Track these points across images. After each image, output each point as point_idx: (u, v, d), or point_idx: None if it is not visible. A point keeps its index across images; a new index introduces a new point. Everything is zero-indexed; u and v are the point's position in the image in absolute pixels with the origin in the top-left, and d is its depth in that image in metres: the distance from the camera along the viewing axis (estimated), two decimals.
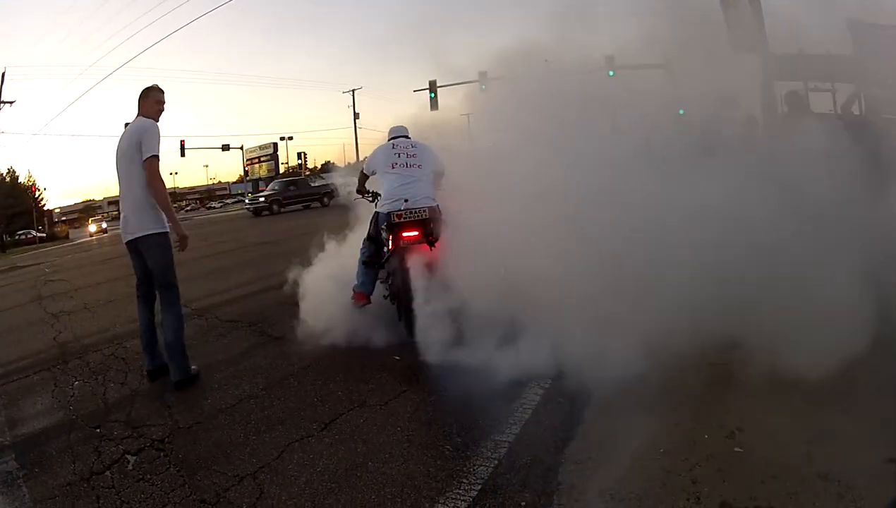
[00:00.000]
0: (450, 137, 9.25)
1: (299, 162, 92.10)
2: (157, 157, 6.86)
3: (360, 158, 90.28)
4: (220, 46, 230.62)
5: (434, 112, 47.19)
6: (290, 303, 8.99)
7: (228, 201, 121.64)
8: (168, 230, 7.03)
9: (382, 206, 7.63)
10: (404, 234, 7.24)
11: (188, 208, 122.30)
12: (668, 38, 7.88)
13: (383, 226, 7.50)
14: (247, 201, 56.25)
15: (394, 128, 8.51)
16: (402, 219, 7.22)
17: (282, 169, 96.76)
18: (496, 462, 4.55)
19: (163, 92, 7.34)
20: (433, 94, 47.06)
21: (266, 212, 46.55)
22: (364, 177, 8.56)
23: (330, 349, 7.55)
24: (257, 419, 5.78)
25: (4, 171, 70.98)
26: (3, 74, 57.42)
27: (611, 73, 8.90)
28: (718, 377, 5.39)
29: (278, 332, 8.53)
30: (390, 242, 7.43)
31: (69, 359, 8.65)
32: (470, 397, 5.58)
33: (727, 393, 5.15)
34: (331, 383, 6.51)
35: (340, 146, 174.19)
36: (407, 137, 8.31)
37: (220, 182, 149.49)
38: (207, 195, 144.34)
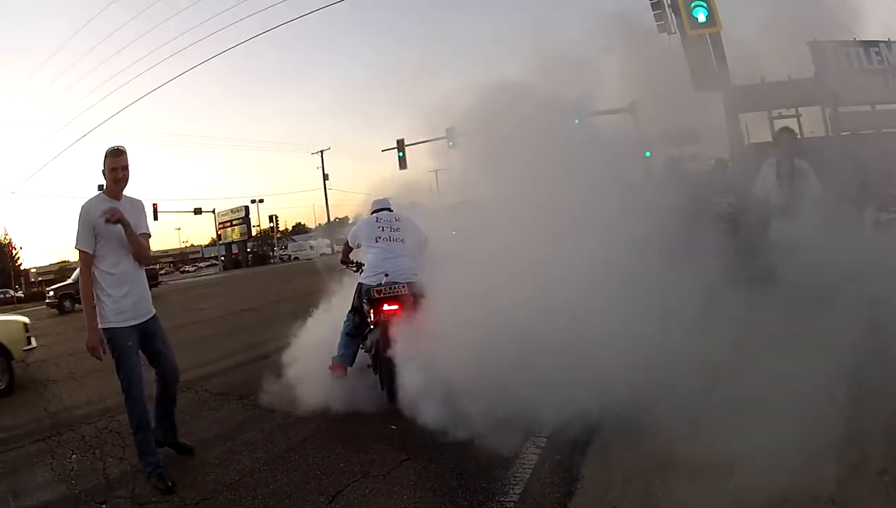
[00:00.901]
0: (420, 196, 9.53)
1: (271, 225, 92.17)
2: (79, 249, 6.33)
3: (332, 219, 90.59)
4: (193, 108, 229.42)
5: (403, 171, 47.83)
6: (279, 374, 9.09)
7: (202, 264, 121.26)
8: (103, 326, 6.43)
9: (366, 278, 7.97)
10: (385, 307, 7.56)
11: (163, 271, 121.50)
12: (633, 83, 8.19)
13: (365, 300, 7.83)
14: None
15: (377, 200, 8.88)
16: (381, 295, 7.57)
17: (254, 232, 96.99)
18: None
19: (118, 154, 6.34)
20: (401, 154, 47.82)
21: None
22: (348, 249, 8.89)
23: (325, 420, 7.73)
24: (264, 494, 5.91)
25: None
26: None
27: (576, 120, 9.16)
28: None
29: (270, 405, 8.65)
30: (372, 314, 7.75)
31: (63, 431, 8.75)
32: (470, 461, 5.88)
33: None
34: (331, 455, 6.68)
35: (311, 207, 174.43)
36: (390, 210, 8.65)
37: (192, 245, 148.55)
38: (181, 258, 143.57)
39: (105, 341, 6.42)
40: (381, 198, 8.99)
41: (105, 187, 6.47)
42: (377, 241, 8.11)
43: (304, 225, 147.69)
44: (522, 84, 8.69)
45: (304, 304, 11.13)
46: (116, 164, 6.28)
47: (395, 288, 7.62)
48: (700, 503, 4.54)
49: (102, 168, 6.33)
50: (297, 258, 78.79)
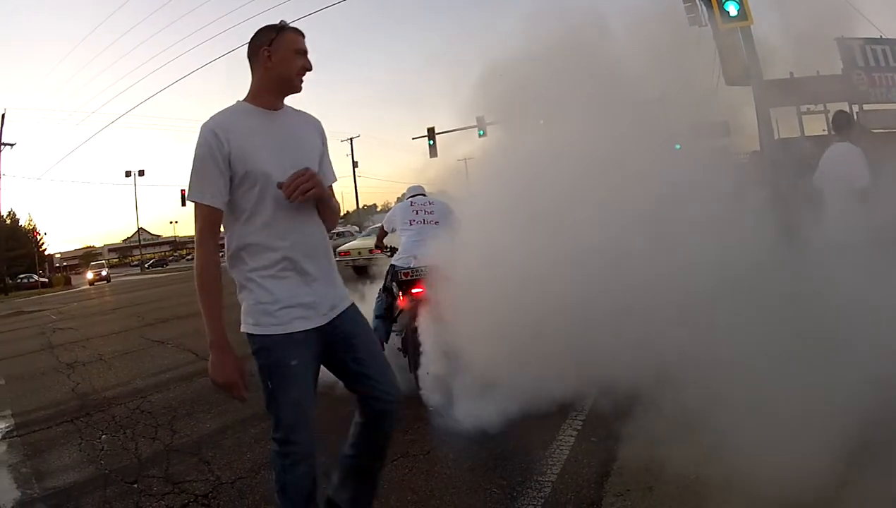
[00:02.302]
0: (451, 185, 9.42)
1: None
2: (193, 202, 3.47)
3: (360, 206, 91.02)
4: (223, 96, 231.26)
5: (434, 159, 47.97)
6: None
7: None
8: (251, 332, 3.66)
9: (395, 260, 7.98)
10: (413, 290, 7.54)
11: (189, 257, 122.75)
12: (666, 73, 7.94)
13: (394, 282, 7.84)
14: None
15: (412, 187, 8.91)
16: (408, 277, 7.54)
17: None
18: (542, 500, 4.73)
19: (299, 32, 3.64)
20: (432, 141, 48.02)
21: None
22: (383, 233, 8.92)
23: None
24: None
25: (5, 214, 71.36)
26: (3, 116, 58.08)
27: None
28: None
29: None
30: (401, 296, 7.74)
31: (92, 412, 8.69)
32: (507, 442, 5.80)
33: None
34: None
35: (339, 195, 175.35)
36: (424, 195, 8.66)
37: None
38: None
39: (246, 370, 3.65)
40: (417, 185, 9.01)
41: (257, 89, 3.64)
42: (411, 224, 8.15)
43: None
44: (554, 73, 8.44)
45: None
46: (302, 46, 3.62)
47: (421, 271, 7.57)
48: (737, 488, 4.37)
49: (262, 52, 3.54)
50: None
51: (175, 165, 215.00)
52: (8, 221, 76.51)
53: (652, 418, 5.42)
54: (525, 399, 6.24)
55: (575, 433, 5.86)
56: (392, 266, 8.06)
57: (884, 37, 18.92)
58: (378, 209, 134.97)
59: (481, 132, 35.91)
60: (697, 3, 14.08)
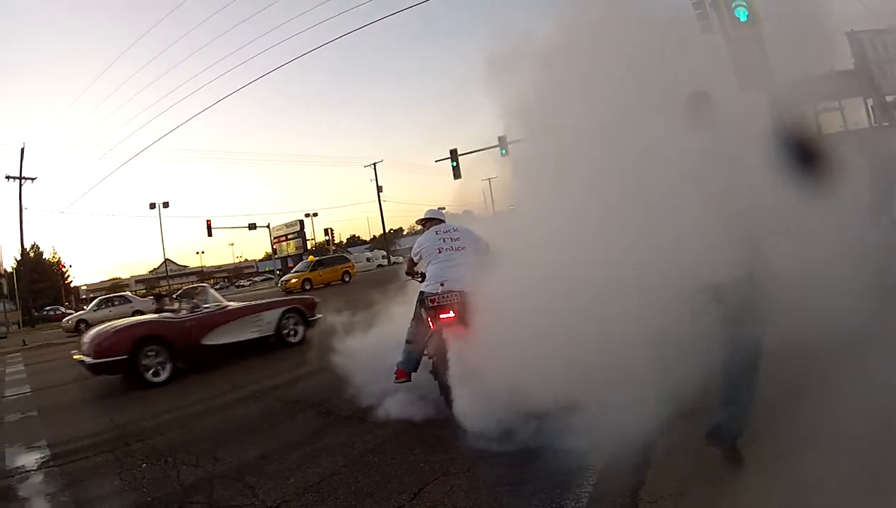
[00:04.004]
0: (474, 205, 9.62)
1: (326, 238, 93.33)
2: None
3: (387, 230, 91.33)
4: (243, 126, 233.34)
5: (458, 180, 48.13)
6: (350, 382, 9.44)
7: (257, 279, 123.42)
8: None
9: (425, 287, 8.31)
10: (441, 316, 7.82)
11: (217, 286, 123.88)
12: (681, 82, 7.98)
13: (423, 308, 8.20)
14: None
15: (430, 211, 9.35)
16: (435, 303, 7.87)
17: (309, 245, 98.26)
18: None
19: None
20: (455, 163, 48.91)
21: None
22: (412, 263, 9.22)
23: (401, 424, 7.93)
24: (345, 494, 6.08)
25: (29, 247, 72.32)
26: (22, 150, 59.18)
27: None
28: None
29: (345, 412, 8.85)
30: (430, 322, 8.01)
31: (131, 442, 8.91)
32: (544, 456, 6.01)
33: None
34: (410, 456, 6.87)
35: (365, 219, 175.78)
36: (443, 221, 9.09)
37: (246, 260, 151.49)
38: (235, 273, 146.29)
39: None
40: (434, 208, 9.47)
41: None
42: (440, 252, 8.47)
43: (358, 236, 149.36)
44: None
45: (367, 315, 11.46)
46: None
47: (449, 296, 7.89)
48: (768, 491, 4.60)
49: None
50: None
51: (200, 196, 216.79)
52: (31, 254, 77.57)
53: (686, 432, 5.67)
54: (558, 415, 6.39)
55: (609, 444, 5.94)
56: (421, 292, 8.38)
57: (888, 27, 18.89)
58: (404, 233, 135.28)
59: (503, 151, 36.25)
60: (708, 9, 14.18)
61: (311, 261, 58.57)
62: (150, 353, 13.47)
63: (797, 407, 5.48)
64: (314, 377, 11.31)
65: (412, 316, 8.59)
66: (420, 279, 9.00)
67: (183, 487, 6.85)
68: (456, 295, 7.87)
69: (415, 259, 9.07)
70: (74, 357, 14.82)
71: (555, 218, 7.48)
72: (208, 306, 15.95)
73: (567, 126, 7.83)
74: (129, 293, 48.66)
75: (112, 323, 15.97)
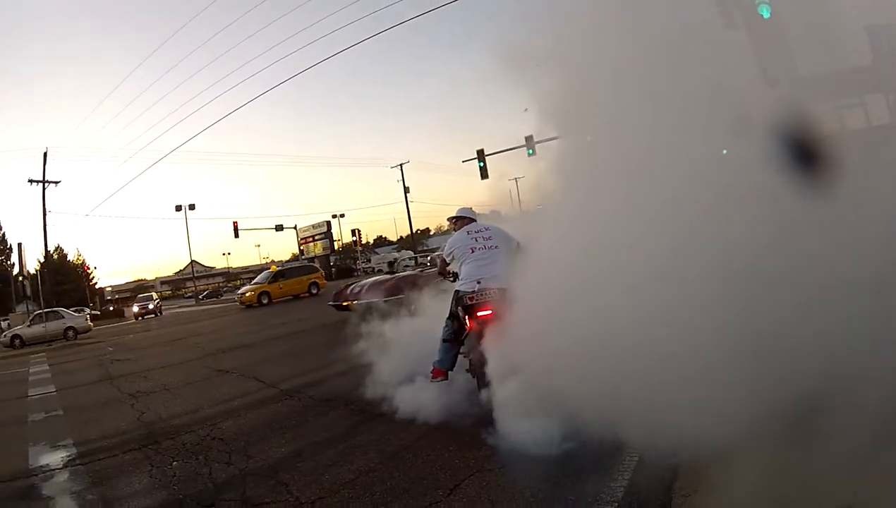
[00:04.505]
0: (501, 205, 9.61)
1: (354, 238, 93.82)
2: None
3: (414, 231, 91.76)
4: (270, 128, 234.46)
5: (485, 181, 48.36)
6: (381, 381, 9.43)
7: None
8: None
9: (459, 285, 8.40)
10: (479, 313, 7.87)
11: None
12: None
13: (459, 307, 8.30)
14: None
15: (461, 209, 9.37)
16: (473, 301, 7.97)
17: (336, 246, 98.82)
18: (616, 504, 5.12)
19: None
20: (482, 163, 48.78)
21: None
22: (444, 263, 9.34)
23: (435, 422, 7.91)
24: (381, 490, 6.06)
25: (52, 249, 72.86)
26: (45, 154, 59.74)
27: None
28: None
29: (377, 410, 8.80)
30: (467, 321, 8.08)
31: (160, 440, 8.93)
32: (579, 453, 6.08)
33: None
34: (445, 453, 6.85)
35: (391, 220, 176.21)
36: (475, 220, 9.10)
37: (272, 260, 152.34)
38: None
39: None
40: (466, 207, 9.46)
41: None
42: (473, 252, 8.51)
43: (385, 237, 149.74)
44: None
45: (397, 314, 11.40)
46: None
47: (486, 293, 7.96)
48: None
49: None
50: (380, 270, 79.31)
51: (226, 198, 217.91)
52: (55, 257, 78.19)
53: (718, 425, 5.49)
54: (593, 412, 6.32)
55: (645, 440, 5.89)
56: (456, 292, 8.45)
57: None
58: (431, 233, 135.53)
59: (531, 151, 36.48)
60: (731, 5, 14.04)
61: (273, 272, 53.97)
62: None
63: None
64: (344, 375, 11.16)
65: (447, 316, 8.63)
66: (452, 279, 9.10)
67: (215, 484, 6.82)
68: (493, 293, 7.90)
69: (447, 259, 9.15)
70: (344, 304, 18.78)
71: (594, 213, 7.37)
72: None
73: (604, 123, 7.77)
74: (61, 309, 46.49)
75: (375, 278, 22.77)
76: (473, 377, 8.17)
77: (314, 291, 50.40)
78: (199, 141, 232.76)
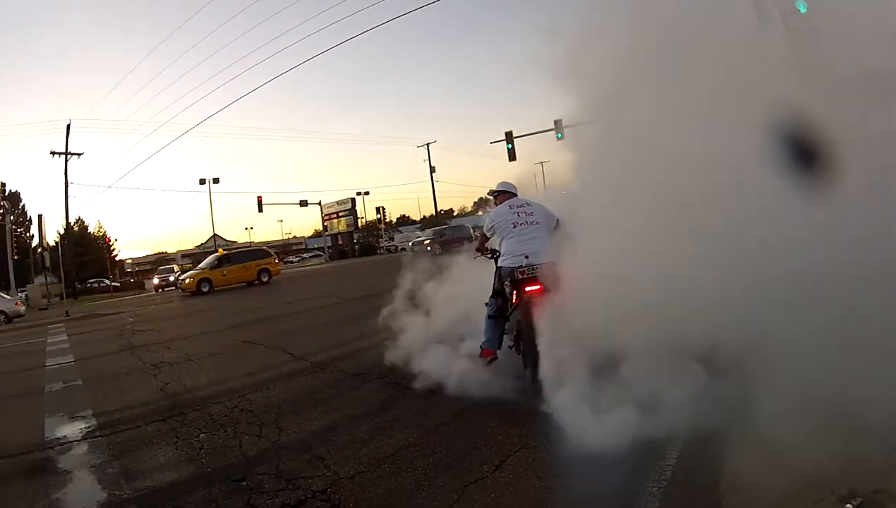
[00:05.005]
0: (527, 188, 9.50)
1: (378, 216, 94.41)
2: None
3: (438, 211, 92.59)
4: (298, 104, 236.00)
5: (513, 163, 48.63)
6: (413, 354, 9.31)
7: (305, 256, 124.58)
8: None
9: (504, 261, 8.32)
10: (527, 288, 7.79)
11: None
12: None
13: (507, 282, 8.28)
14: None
15: (502, 183, 9.29)
16: (524, 275, 7.87)
17: (360, 223, 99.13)
18: (665, 482, 5.08)
19: None
20: (510, 145, 49.19)
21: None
22: (485, 238, 9.23)
23: (473, 397, 7.76)
24: (424, 465, 5.92)
25: (73, 221, 73.43)
26: (68, 127, 60.09)
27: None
28: None
29: (412, 384, 8.63)
30: (514, 296, 8.02)
31: (186, 411, 8.73)
32: (629, 429, 5.80)
33: None
34: (487, 428, 6.72)
35: (415, 199, 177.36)
36: (516, 194, 9.03)
37: (294, 236, 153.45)
38: (284, 249, 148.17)
39: None
40: (507, 181, 9.37)
41: None
42: (514, 227, 8.50)
43: (408, 216, 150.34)
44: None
45: (421, 291, 11.36)
46: None
47: (536, 268, 7.90)
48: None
49: None
50: (403, 249, 79.73)
51: (251, 172, 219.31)
52: (76, 228, 78.73)
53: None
54: (644, 388, 6.23)
55: (693, 415, 5.78)
56: (499, 268, 8.44)
57: None
58: (455, 213, 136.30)
59: (559, 135, 36.74)
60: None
61: (219, 256, 47.29)
62: None
63: None
64: (375, 349, 10.92)
65: (490, 294, 8.63)
66: (489, 255, 9.07)
67: (246, 458, 6.63)
68: (544, 267, 7.77)
69: (487, 234, 9.05)
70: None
71: (642, 189, 7.19)
72: None
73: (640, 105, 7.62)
74: None
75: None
76: (518, 352, 8.12)
77: (264, 279, 45.13)
78: (225, 114, 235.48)
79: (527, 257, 8.03)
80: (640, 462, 5.36)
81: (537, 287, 7.73)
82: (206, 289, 42.07)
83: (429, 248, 50.66)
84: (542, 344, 7.26)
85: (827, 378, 5.25)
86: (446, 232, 57.18)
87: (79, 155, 61.58)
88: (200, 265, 48.37)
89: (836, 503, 4.31)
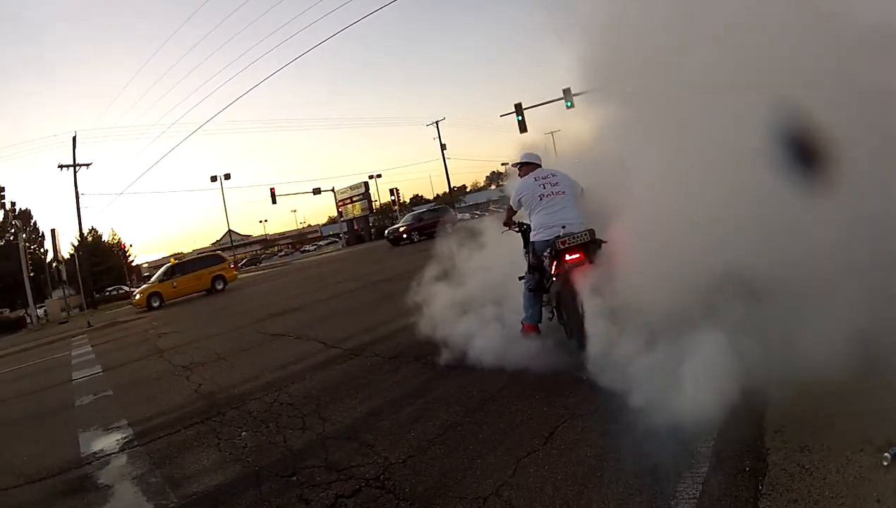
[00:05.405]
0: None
1: (392, 198, 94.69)
2: None
3: (452, 187, 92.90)
4: (304, 93, 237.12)
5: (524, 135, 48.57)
6: (447, 334, 9.29)
7: (321, 243, 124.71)
8: None
9: (537, 235, 8.33)
10: (568, 258, 7.77)
11: (282, 254, 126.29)
12: None
13: (546, 254, 8.20)
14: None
15: (526, 154, 9.27)
16: (566, 245, 7.79)
17: (374, 206, 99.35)
18: (713, 441, 5.22)
19: None
20: (520, 117, 49.55)
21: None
22: (512, 212, 9.24)
23: (513, 372, 7.78)
24: (473, 443, 5.95)
25: (87, 231, 73.61)
26: (74, 138, 60.30)
27: None
28: None
29: (450, 363, 8.65)
30: (554, 267, 8.00)
31: (224, 410, 8.71)
32: (674, 396, 5.73)
33: None
34: (532, 402, 6.74)
35: (427, 178, 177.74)
36: (540, 165, 9.04)
37: (309, 225, 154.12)
38: (299, 239, 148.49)
39: None
40: (531, 152, 9.35)
41: None
42: (541, 199, 8.51)
43: (421, 196, 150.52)
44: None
45: (443, 272, 11.40)
46: None
47: (578, 236, 7.86)
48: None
49: None
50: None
51: (262, 165, 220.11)
52: (90, 238, 79.00)
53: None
54: (688, 357, 6.09)
55: (736, 386, 5.69)
56: (533, 243, 8.44)
57: None
58: (468, 190, 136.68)
59: (569, 103, 36.68)
60: None
61: (171, 266, 43.83)
62: None
63: None
64: (408, 331, 10.93)
65: (527, 268, 8.65)
66: (517, 229, 9.18)
67: (293, 452, 6.62)
68: (585, 235, 7.84)
69: (514, 207, 9.05)
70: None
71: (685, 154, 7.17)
72: None
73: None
74: None
75: None
76: (560, 322, 8.17)
77: (219, 286, 42.05)
78: (232, 110, 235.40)
79: (564, 227, 8.03)
80: (688, 424, 5.33)
81: (578, 255, 7.73)
82: (156, 304, 38.93)
83: (405, 236, 49.65)
84: (588, 311, 7.22)
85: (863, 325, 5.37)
86: (425, 215, 53.40)
87: (87, 165, 61.72)
88: (152, 278, 45.02)
89: (875, 453, 4.30)
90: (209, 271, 42.60)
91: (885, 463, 4.06)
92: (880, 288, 5.58)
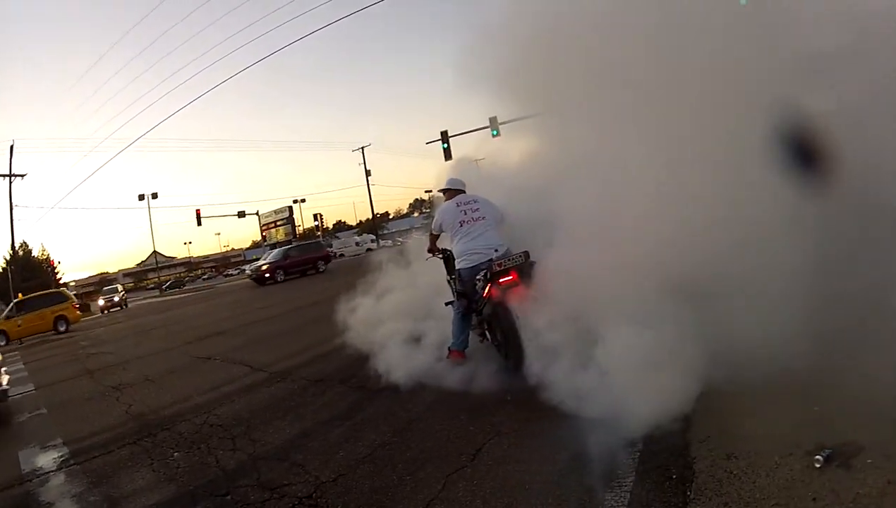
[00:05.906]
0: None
1: (316, 223, 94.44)
2: None
3: (376, 214, 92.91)
4: (234, 116, 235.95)
5: (449, 162, 48.80)
6: (371, 358, 9.57)
7: (244, 268, 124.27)
8: None
9: (461, 263, 8.51)
10: (502, 279, 7.81)
11: (206, 277, 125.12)
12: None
13: (479, 278, 8.23)
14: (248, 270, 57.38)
15: (451, 179, 9.43)
16: (502, 267, 7.83)
17: (297, 231, 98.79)
18: (639, 452, 5.42)
19: None
20: (446, 145, 49.42)
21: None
22: (435, 237, 9.42)
23: (438, 393, 8.00)
24: (402, 461, 6.10)
25: (18, 245, 71.93)
26: (12, 147, 58.90)
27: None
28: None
29: (376, 385, 8.80)
30: (486, 290, 8.04)
31: (155, 431, 8.71)
32: (596, 412, 6.05)
33: None
34: (457, 421, 6.93)
35: (351, 204, 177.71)
36: (464, 191, 9.19)
37: (232, 249, 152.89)
38: (223, 263, 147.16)
39: None
40: (456, 178, 9.51)
41: None
42: (462, 225, 8.66)
43: (344, 222, 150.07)
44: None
45: (364, 297, 11.83)
46: None
47: (513, 258, 7.94)
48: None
49: None
50: (342, 255, 79.07)
51: (189, 186, 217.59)
52: (21, 253, 77.35)
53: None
54: (614, 371, 6.31)
55: (661, 398, 5.89)
56: (459, 271, 8.57)
57: None
58: (391, 216, 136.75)
59: (495, 132, 37.16)
60: None
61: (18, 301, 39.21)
62: None
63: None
64: (331, 355, 11.22)
65: (455, 295, 8.86)
66: (440, 255, 9.36)
67: (225, 472, 6.67)
68: (520, 257, 7.93)
69: (435, 232, 9.20)
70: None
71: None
72: None
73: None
74: None
75: None
76: (494, 344, 8.38)
77: (61, 328, 37.58)
78: (163, 129, 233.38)
79: (496, 250, 8.22)
80: (614, 436, 5.57)
81: (511, 277, 7.80)
82: (3, 343, 33.80)
83: (267, 275, 46.22)
84: (524, 331, 7.47)
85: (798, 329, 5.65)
86: (292, 252, 49.47)
87: (22, 176, 60.27)
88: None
89: (804, 457, 4.54)
90: (51, 310, 38.15)
91: (818, 465, 4.34)
92: (804, 295, 5.84)
